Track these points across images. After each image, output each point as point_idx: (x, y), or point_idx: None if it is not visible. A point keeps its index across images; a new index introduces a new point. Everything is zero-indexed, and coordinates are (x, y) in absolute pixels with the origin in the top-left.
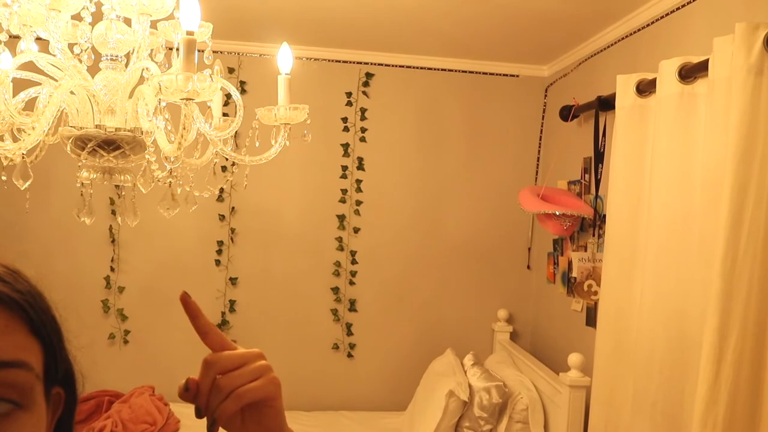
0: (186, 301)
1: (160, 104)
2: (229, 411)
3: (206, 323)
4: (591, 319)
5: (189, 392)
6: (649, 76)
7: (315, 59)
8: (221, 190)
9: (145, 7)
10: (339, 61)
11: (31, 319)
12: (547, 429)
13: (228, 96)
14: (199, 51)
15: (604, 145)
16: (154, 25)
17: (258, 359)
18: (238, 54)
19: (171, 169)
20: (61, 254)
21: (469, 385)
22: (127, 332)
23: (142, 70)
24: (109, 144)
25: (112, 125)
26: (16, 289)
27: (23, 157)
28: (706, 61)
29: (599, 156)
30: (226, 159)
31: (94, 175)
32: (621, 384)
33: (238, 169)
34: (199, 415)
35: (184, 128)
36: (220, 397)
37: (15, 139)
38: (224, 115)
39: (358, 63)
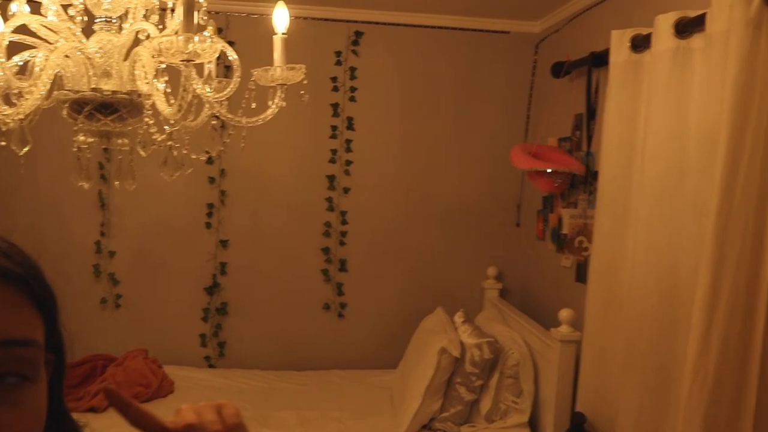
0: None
1: (160, 66)
2: None
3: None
4: (581, 275)
5: None
6: (644, 31)
7: (303, 18)
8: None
9: None
10: (327, 20)
11: (34, 293)
12: (538, 383)
13: (216, 58)
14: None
15: (597, 101)
16: None
17: None
18: (226, 14)
19: (171, 132)
20: (51, 220)
21: (461, 342)
22: (118, 296)
23: (137, 31)
24: (107, 107)
25: (108, 88)
26: (18, 263)
27: (21, 122)
28: (703, 16)
29: (591, 112)
30: (216, 119)
31: (92, 140)
32: (612, 338)
33: (234, 131)
34: None
35: (185, 90)
36: None
37: (9, 104)
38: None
39: (347, 21)
